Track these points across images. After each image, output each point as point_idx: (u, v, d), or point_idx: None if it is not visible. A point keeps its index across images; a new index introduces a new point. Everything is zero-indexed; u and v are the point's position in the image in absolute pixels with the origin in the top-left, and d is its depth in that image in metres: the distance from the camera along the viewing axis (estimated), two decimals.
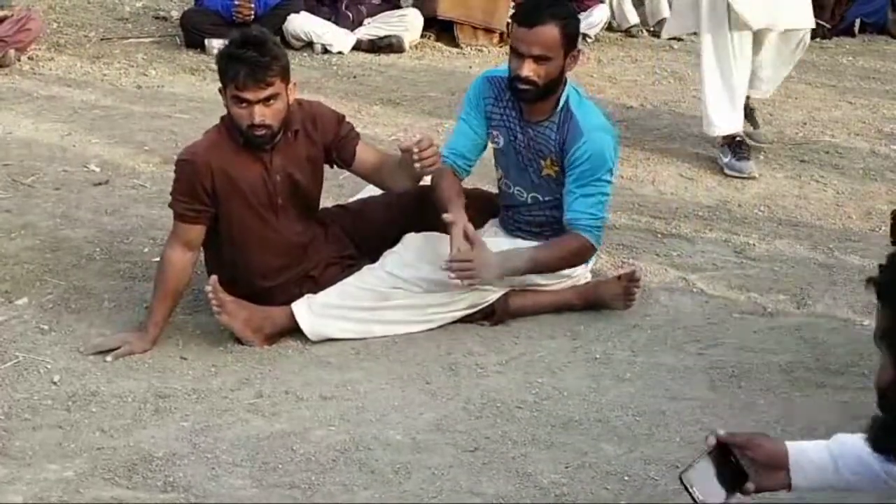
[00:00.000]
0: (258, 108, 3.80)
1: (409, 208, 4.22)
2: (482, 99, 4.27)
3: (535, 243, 4.19)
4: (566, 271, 4.22)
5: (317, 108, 4.09)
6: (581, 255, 4.16)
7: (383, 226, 4.20)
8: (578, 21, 4.22)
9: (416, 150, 3.79)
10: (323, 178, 4.15)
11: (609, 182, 4.14)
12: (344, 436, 3.41)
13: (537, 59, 4.03)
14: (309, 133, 4.01)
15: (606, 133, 4.14)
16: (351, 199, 4.53)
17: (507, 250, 4.10)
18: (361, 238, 4.21)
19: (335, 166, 4.17)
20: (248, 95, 3.79)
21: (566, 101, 4.12)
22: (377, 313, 4.01)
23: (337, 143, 4.07)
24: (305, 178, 4.03)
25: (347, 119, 4.16)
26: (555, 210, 4.21)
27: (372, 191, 4.40)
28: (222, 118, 3.98)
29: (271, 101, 3.82)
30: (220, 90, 3.91)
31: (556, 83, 4.09)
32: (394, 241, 4.12)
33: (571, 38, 4.08)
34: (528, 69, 4.03)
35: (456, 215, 4.01)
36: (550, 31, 4.02)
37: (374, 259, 4.10)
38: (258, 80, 3.77)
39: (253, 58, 3.76)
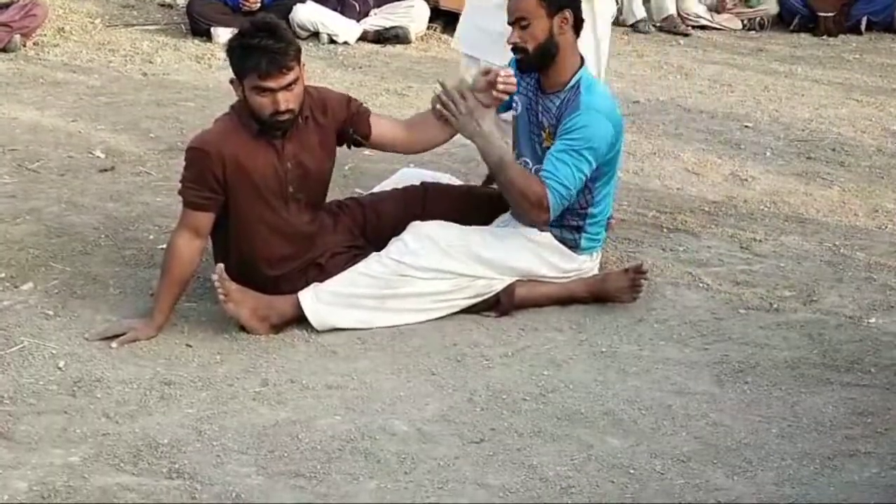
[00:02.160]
0: (282, 95, 3.79)
1: (420, 203, 4.25)
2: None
3: (534, 229, 4.17)
4: (573, 265, 4.22)
5: (325, 93, 4.09)
6: (533, 204, 4.01)
7: (394, 220, 4.19)
8: None
9: (503, 74, 4.00)
10: (333, 166, 4.15)
11: (589, 163, 4.04)
12: (349, 425, 3.40)
13: (520, 25, 4.11)
14: (318, 119, 4.00)
15: (606, 119, 4.10)
16: (363, 193, 4.54)
17: (498, 139, 4.11)
18: (371, 231, 4.20)
19: (354, 146, 4.17)
20: (272, 84, 3.77)
21: (578, 80, 4.13)
22: (383, 301, 4.01)
23: (351, 121, 4.08)
24: (316, 164, 4.02)
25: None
26: None
27: (384, 186, 4.42)
28: (232, 107, 3.97)
29: (292, 86, 3.81)
30: (232, 81, 3.89)
31: (549, 48, 4.10)
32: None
33: (552, 1, 4.08)
34: (515, 36, 4.13)
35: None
36: None
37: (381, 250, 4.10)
38: (280, 66, 3.76)
39: (270, 45, 3.75)
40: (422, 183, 4.39)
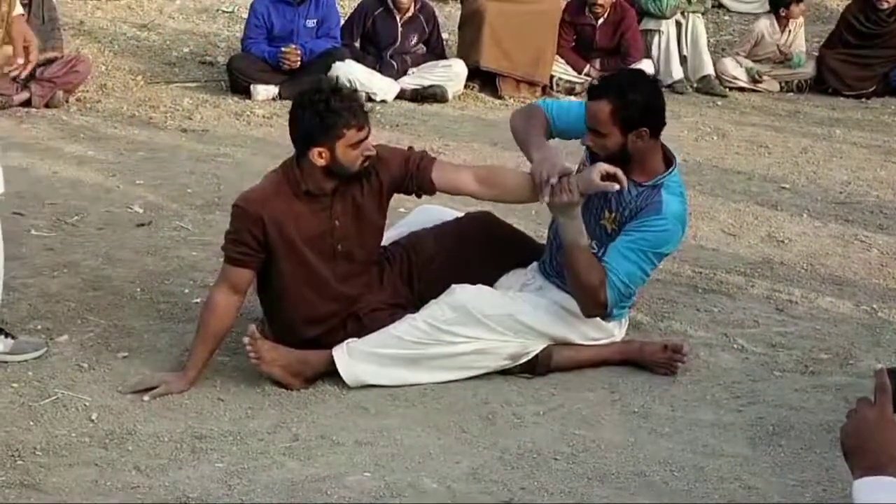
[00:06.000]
0: (366, 142, 3.89)
1: (459, 236, 4.27)
2: None
3: (564, 295, 4.14)
4: (602, 335, 4.20)
5: (381, 150, 4.03)
6: (590, 298, 3.97)
7: (435, 256, 4.22)
8: (652, 102, 4.01)
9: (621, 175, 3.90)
10: (385, 221, 4.13)
11: (653, 265, 4.05)
12: (379, 482, 3.39)
13: (592, 132, 4.01)
14: (372, 175, 3.99)
15: (681, 226, 4.07)
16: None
17: (581, 223, 3.95)
18: (418, 272, 4.20)
19: (420, 195, 4.15)
20: (364, 133, 3.87)
21: (661, 183, 4.02)
22: (415, 362, 4.00)
23: (410, 179, 4.03)
24: (366, 220, 4.02)
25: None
26: None
27: (403, 224, 4.49)
28: (282, 165, 3.98)
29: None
30: (312, 154, 3.83)
31: (621, 157, 3.97)
32: (444, 273, 4.13)
33: (629, 118, 3.93)
34: (588, 139, 4.05)
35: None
36: (601, 108, 3.95)
37: (423, 297, 4.10)
38: (366, 114, 3.88)
39: (349, 100, 3.84)
40: (466, 214, 4.42)
